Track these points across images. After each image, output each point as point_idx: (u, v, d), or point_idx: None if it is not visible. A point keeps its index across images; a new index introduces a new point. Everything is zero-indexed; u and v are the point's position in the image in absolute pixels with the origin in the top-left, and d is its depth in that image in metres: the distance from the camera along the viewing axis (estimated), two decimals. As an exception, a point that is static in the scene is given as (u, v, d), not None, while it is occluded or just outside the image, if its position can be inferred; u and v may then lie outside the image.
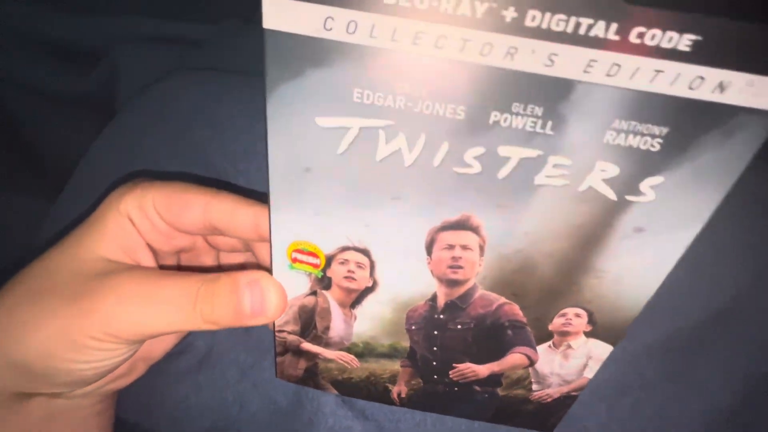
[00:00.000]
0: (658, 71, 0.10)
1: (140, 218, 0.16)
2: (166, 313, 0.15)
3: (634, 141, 0.12)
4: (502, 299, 0.16)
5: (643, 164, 0.12)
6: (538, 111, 0.11)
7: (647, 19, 0.10)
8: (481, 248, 0.14)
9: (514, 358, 0.17)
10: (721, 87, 0.11)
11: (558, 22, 0.10)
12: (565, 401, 0.19)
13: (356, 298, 0.17)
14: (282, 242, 0.15)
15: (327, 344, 0.18)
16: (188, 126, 0.22)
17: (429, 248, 0.15)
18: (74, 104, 0.29)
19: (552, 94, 0.11)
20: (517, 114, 0.12)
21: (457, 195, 0.13)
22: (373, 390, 0.20)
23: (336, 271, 0.16)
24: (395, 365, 0.19)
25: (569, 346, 0.17)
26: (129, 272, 0.15)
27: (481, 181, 0.13)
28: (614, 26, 0.10)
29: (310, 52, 0.11)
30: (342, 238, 0.15)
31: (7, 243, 0.17)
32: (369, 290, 0.16)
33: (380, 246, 0.15)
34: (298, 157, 0.13)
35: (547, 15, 0.10)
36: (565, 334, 0.16)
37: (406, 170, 0.13)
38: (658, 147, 0.12)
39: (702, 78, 0.10)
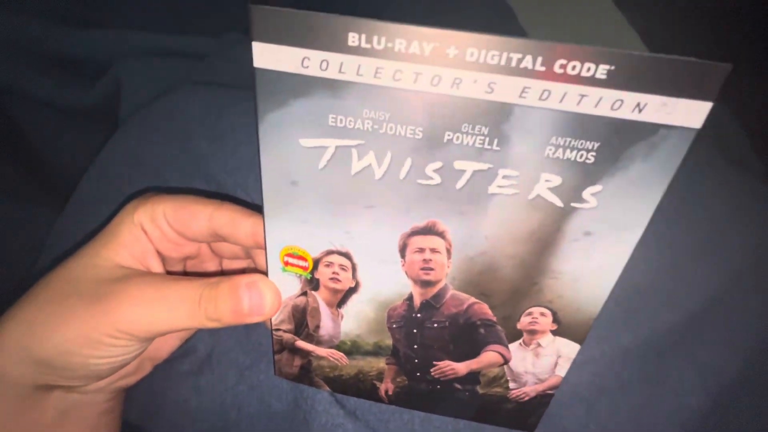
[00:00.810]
0: (582, 95, 0.12)
1: (152, 228, 0.18)
2: (174, 312, 0.17)
3: (571, 155, 0.13)
4: (472, 299, 0.17)
5: (582, 175, 0.14)
6: (485, 130, 0.13)
7: (567, 53, 0.12)
8: (448, 251, 0.16)
9: (489, 356, 0.19)
10: (639, 108, 0.12)
11: (493, 56, 0.12)
12: (542, 399, 0.20)
13: (342, 298, 0.19)
14: (275, 247, 0.17)
15: (318, 342, 0.20)
16: (190, 139, 0.23)
17: (402, 252, 0.17)
18: (79, 116, 0.29)
19: (495, 116, 0.13)
20: (466, 133, 0.13)
21: (422, 204, 0.15)
22: (362, 387, 0.21)
23: (322, 273, 0.18)
24: (381, 362, 0.20)
25: (539, 345, 0.18)
26: (141, 277, 0.17)
27: (442, 191, 0.15)
28: (540, 59, 0.12)
29: (291, 85, 0.14)
30: (326, 243, 0.17)
31: (14, 252, 0.18)
32: (352, 290, 0.18)
33: (360, 250, 0.17)
34: (286, 172, 0.15)
35: (483, 51, 0.12)
36: (533, 333, 0.18)
37: (376, 183, 0.15)
38: (592, 159, 0.13)
39: (621, 101, 0.12)
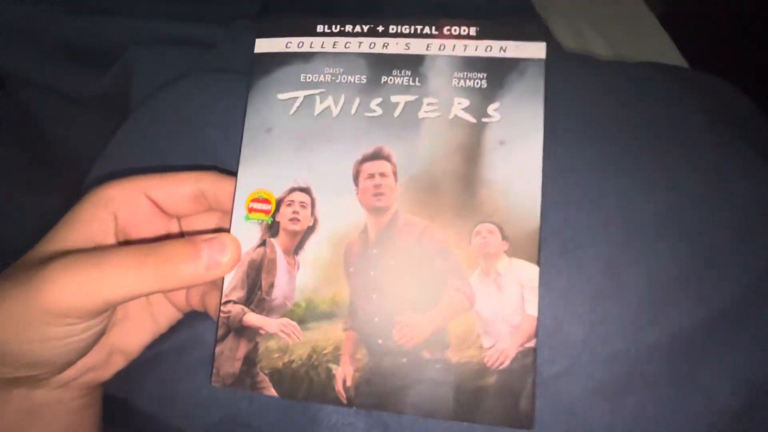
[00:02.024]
0: (465, 45, 0.19)
1: (123, 204, 0.18)
2: (114, 277, 0.15)
3: (470, 83, 0.19)
4: (424, 223, 0.19)
5: (482, 96, 0.19)
6: (408, 72, 0.20)
7: (449, 23, 0.20)
8: (395, 174, 0.19)
9: (452, 298, 0.18)
10: (503, 49, 0.19)
11: (405, 28, 0.20)
12: (525, 362, 0.17)
13: (299, 242, 0.19)
14: (243, 194, 0.20)
15: (270, 309, 0.19)
16: (201, 127, 0.23)
17: (356, 179, 0.19)
18: (89, 104, 0.29)
19: (413, 63, 0.20)
20: (396, 76, 0.20)
21: (370, 132, 0.19)
22: (316, 379, 0.18)
23: (283, 214, 0.19)
24: (338, 331, 0.18)
25: (498, 272, 0.18)
26: (76, 253, 0.16)
27: (383, 121, 0.19)
28: (433, 27, 0.20)
29: (277, 60, 0.20)
30: (290, 180, 0.19)
31: (24, 241, 0.17)
32: (310, 230, 0.19)
33: (319, 183, 0.19)
34: (263, 121, 0.20)
35: (400, 27, 0.20)
36: (488, 257, 0.18)
37: (333, 120, 0.20)
38: (486, 85, 0.19)
39: (490, 46, 0.19)
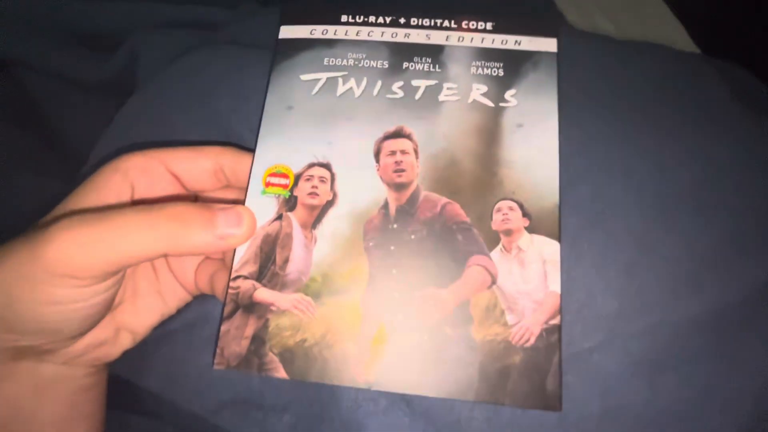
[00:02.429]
0: (483, 38, 0.21)
1: (140, 175, 0.17)
2: (120, 235, 0.14)
3: (488, 71, 0.20)
4: (444, 199, 0.19)
5: (499, 83, 0.20)
6: (429, 60, 0.20)
7: (468, 18, 0.21)
8: (416, 152, 0.19)
9: (474, 273, 0.18)
10: (517, 42, 0.20)
11: (426, 21, 0.21)
12: (550, 339, 0.17)
13: (318, 216, 0.19)
14: (261, 168, 0.19)
15: (284, 285, 0.18)
16: (212, 97, 0.23)
17: (377, 156, 0.19)
18: (94, 89, 0.28)
19: (434, 52, 0.21)
20: (417, 62, 0.20)
21: (391, 113, 0.20)
22: (330, 359, 0.17)
23: (302, 189, 0.19)
24: (355, 306, 0.17)
25: (519, 248, 0.18)
26: (85, 213, 0.15)
27: (405, 103, 0.20)
28: (453, 21, 0.21)
29: (300, 45, 0.21)
30: (309, 156, 0.19)
31: (26, 225, 0.16)
32: (329, 204, 0.19)
33: (339, 158, 0.19)
34: (285, 99, 0.20)
35: (421, 20, 0.21)
36: (509, 233, 0.18)
37: (355, 100, 0.20)
38: (503, 73, 0.20)
39: (506, 39, 0.21)
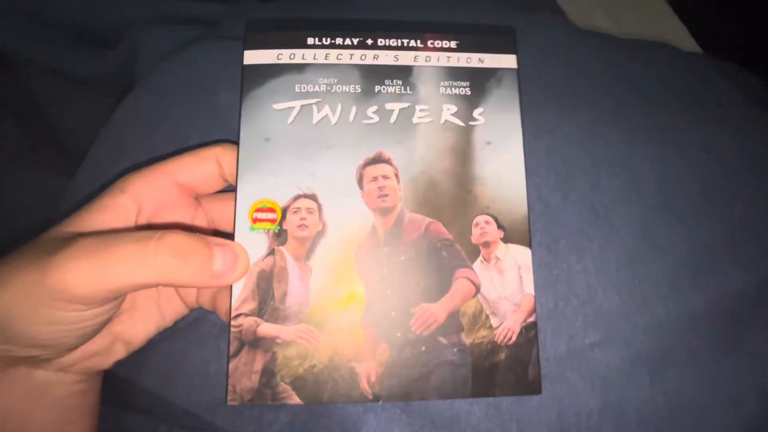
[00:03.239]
0: (449, 57, 0.21)
1: (145, 189, 0.18)
2: (118, 265, 0.15)
3: (456, 90, 0.21)
4: (427, 219, 0.20)
5: (467, 102, 0.21)
6: (399, 82, 0.21)
7: (432, 37, 0.22)
8: (397, 176, 0.20)
9: (461, 285, 0.20)
10: (480, 60, 0.22)
11: (393, 41, 0.21)
12: (529, 336, 0.19)
13: (309, 248, 0.19)
14: (246, 205, 0.19)
15: (285, 318, 0.19)
16: (211, 92, 0.23)
17: (360, 183, 0.20)
18: (94, 84, 0.29)
19: (403, 73, 0.21)
20: (388, 85, 0.21)
21: (369, 139, 0.20)
22: (340, 380, 0.18)
23: (290, 222, 0.20)
24: (357, 329, 0.19)
25: (497, 258, 0.20)
26: (88, 236, 0.15)
27: (381, 127, 0.21)
28: (419, 40, 0.21)
29: (268, 71, 0.21)
30: (293, 188, 0.20)
31: (27, 220, 0.17)
32: (320, 235, 0.20)
33: (324, 188, 0.20)
34: (261, 131, 0.20)
35: (388, 40, 0.21)
36: (487, 245, 0.20)
37: (332, 127, 0.20)
38: (469, 92, 0.21)
39: (470, 57, 0.22)
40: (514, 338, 0.19)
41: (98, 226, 0.17)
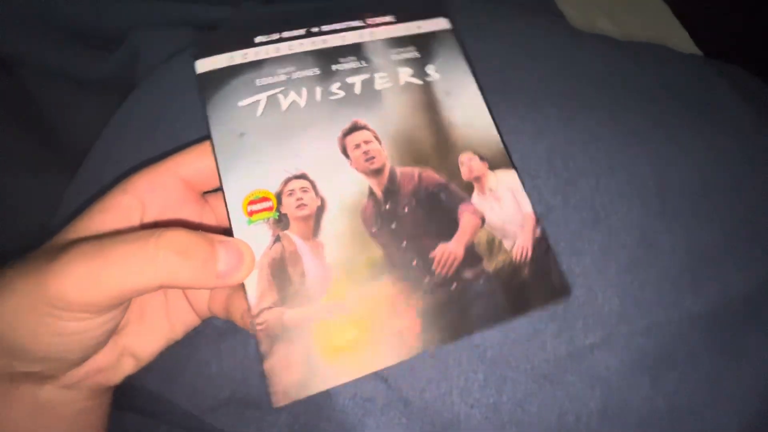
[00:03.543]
0: (390, 30, 0.23)
1: (149, 188, 0.17)
2: (117, 268, 0.14)
3: (405, 56, 0.23)
4: (418, 169, 0.21)
5: (418, 63, 0.23)
6: (353, 57, 0.22)
7: (370, 15, 0.23)
8: (377, 138, 0.21)
9: (467, 219, 0.20)
10: (418, 27, 0.24)
11: (337, 25, 0.23)
12: (541, 247, 0.20)
13: (315, 225, 0.19)
14: (237, 200, 0.19)
15: (309, 298, 0.18)
16: None
17: (345, 153, 0.20)
18: (94, 87, 0.29)
19: (355, 50, 0.22)
20: (344, 62, 0.22)
21: (340, 112, 0.21)
22: (384, 342, 0.18)
23: (288, 204, 0.19)
24: (386, 288, 0.19)
25: (491, 189, 0.21)
26: (86, 242, 0.15)
27: (349, 99, 0.21)
28: (359, 21, 0.23)
29: (225, 73, 0.21)
30: (281, 173, 0.20)
31: (28, 223, 0.16)
32: (321, 210, 0.19)
33: (312, 165, 0.20)
34: (233, 128, 0.20)
35: (332, 26, 0.23)
36: (479, 180, 0.21)
37: (303, 110, 0.21)
38: (418, 54, 0.23)
39: (408, 26, 0.24)
40: (529, 253, 0.20)
41: (100, 229, 0.16)
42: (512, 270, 0.19)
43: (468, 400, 0.18)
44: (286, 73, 0.21)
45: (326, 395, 0.19)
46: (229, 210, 0.18)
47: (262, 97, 0.20)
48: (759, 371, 0.18)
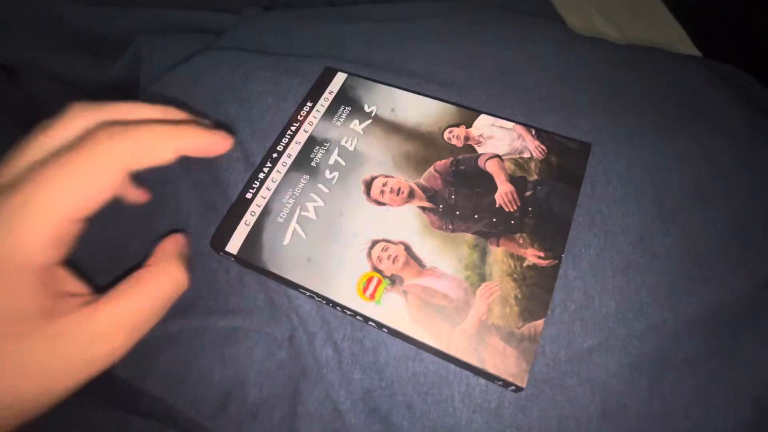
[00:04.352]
0: (315, 112, 0.27)
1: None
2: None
3: (344, 114, 0.27)
4: (430, 168, 0.24)
5: (356, 112, 0.26)
6: (317, 147, 0.26)
7: (297, 114, 0.27)
8: (387, 176, 0.24)
9: (491, 165, 0.24)
10: (331, 92, 0.28)
11: (288, 137, 0.26)
12: (542, 136, 0.24)
13: (415, 261, 0.21)
14: (351, 299, 0.20)
15: (467, 303, 0.20)
16: (216, 103, 0.23)
17: (380, 203, 0.23)
18: (100, 93, 0.29)
19: (313, 141, 0.26)
20: (315, 155, 0.25)
21: (349, 182, 0.24)
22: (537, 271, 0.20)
23: (386, 267, 0.21)
24: (495, 252, 0.21)
25: (481, 136, 0.25)
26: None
27: (343, 173, 0.24)
28: (296, 123, 0.27)
29: (253, 239, 0.23)
30: (358, 255, 0.21)
31: None
32: (408, 249, 0.22)
33: (370, 230, 0.22)
34: (299, 257, 0.22)
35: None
36: (468, 138, 0.25)
37: (325, 208, 0.23)
38: (350, 107, 0.27)
39: (325, 98, 0.27)
40: (543, 147, 0.24)
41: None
42: (546, 165, 0.23)
43: (470, 405, 0.18)
44: (291, 196, 0.23)
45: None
46: (355, 310, 0.20)
47: (293, 226, 0.23)
48: (753, 375, 0.18)
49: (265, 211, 0.23)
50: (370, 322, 0.20)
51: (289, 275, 0.21)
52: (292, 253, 0.21)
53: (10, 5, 0.29)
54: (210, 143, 0.17)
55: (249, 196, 0.24)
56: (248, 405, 0.20)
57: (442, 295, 0.20)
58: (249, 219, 0.23)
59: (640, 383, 0.18)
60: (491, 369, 0.18)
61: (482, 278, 0.20)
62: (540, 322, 0.19)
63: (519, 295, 0.19)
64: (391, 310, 0.20)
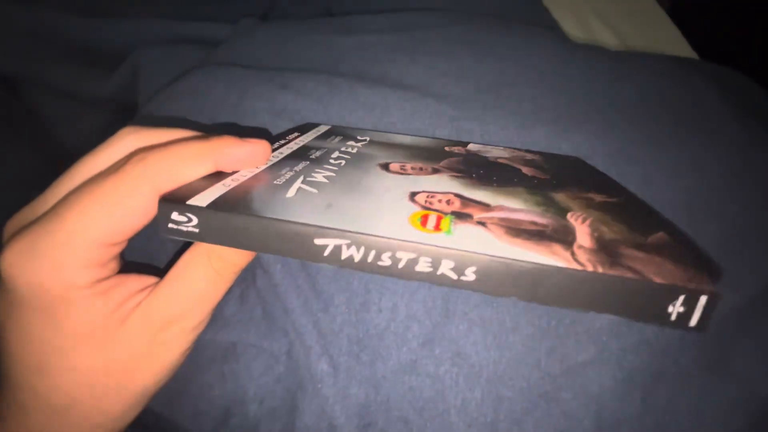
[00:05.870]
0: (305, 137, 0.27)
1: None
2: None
3: (336, 139, 0.27)
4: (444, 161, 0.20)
5: (347, 140, 0.26)
6: (314, 150, 0.25)
7: (293, 137, 0.26)
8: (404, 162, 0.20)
9: (504, 159, 0.22)
10: (318, 130, 0.28)
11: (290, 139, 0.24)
12: (544, 155, 0.23)
13: (475, 203, 0.17)
14: (406, 231, 0.14)
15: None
16: (213, 120, 0.22)
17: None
18: (98, 105, 0.29)
19: (305, 150, 0.26)
20: (312, 154, 0.25)
21: (363, 159, 0.20)
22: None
23: (442, 207, 0.16)
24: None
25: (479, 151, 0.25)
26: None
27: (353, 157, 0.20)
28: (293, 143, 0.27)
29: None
30: (404, 201, 0.16)
31: None
32: (459, 196, 0.17)
33: (419, 185, 0.17)
34: (320, 204, 0.15)
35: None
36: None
37: (328, 183, 0.17)
38: (340, 135, 0.27)
39: (306, 136, 0.27)
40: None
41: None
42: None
43: (465, 419, 0.18)
44: (289, 170, 0.18)
45: (328, 418, 0.19)
46: (423, 241, 0.14)
47: (297, 185, 0.17)
48: (746, 388, 0.18)
49: (255, 178, 0.17)
50: (444, 259, 0.14)
51: (305, 219, 0.14)
52: (301, 201, 0.15)
53: (9, 18, 0.30)
54: (249, 152, 0.16)
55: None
56: (249, 419, 0.20)
57: (529, 222, 0.15)
58: (229, 182, 0.16)
59: (634, 397, 0.18)
60: (662, 279, 0.13)
61: (561, 211, 0.16)
62: (661, 233, 0.15)
63: (615, 219, 0.16)
64: (471, 237, 0.14)
